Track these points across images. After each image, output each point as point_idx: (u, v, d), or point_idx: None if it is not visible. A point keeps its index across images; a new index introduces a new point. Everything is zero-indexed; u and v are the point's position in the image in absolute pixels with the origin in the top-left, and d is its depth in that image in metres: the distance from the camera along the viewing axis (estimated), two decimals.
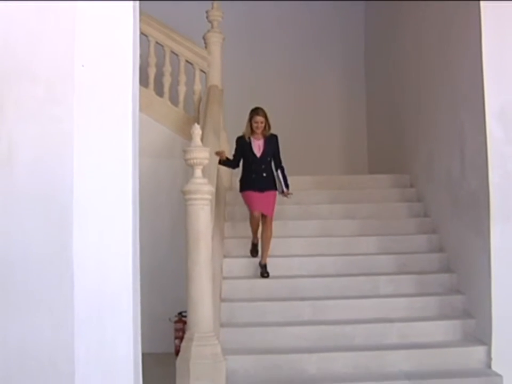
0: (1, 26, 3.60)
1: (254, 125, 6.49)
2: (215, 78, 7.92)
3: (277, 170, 6.59)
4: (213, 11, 7.86)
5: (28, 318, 3.52)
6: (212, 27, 7.92)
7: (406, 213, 7.51)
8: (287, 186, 6.56)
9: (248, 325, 5.92)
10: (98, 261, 3.58)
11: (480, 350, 5.68)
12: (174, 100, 7.68)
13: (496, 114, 5.62)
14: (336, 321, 5.96)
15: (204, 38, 7.91)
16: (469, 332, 5.94)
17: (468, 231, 6.10)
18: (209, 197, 5.31)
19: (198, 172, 5.31)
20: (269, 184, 6.53)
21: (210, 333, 5.22)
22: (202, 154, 5.30)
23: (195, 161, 5.27)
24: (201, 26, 7.89)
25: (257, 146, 6.55)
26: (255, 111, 6.53)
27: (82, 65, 3.61)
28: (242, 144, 6.58)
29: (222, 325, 5.79)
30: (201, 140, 5.47)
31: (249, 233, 6.58)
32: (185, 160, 5.33)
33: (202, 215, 5.23)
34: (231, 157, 6.69)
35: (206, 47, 7.92)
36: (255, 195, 6.49)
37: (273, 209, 6.53)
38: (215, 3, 7.87)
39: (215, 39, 7.91)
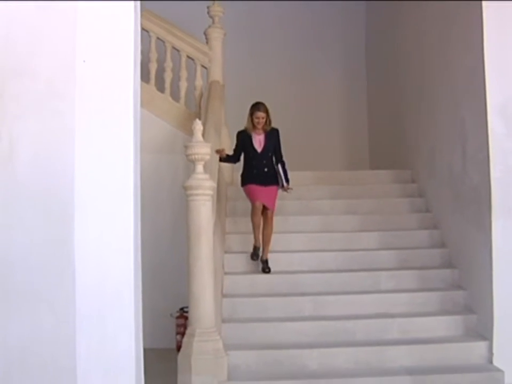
0: (3, 22, 3.60)
1: (255, 120, 6.46)
2: (216, 74, 7.90)
3: (277, 165, 6.56)
4: (214, 6, 7.85)
5: (29, 314, 3.52)
6: (213, 22, 7.90)
7: (408, 208, 7.51)
8: (287, 181, 6.52)
9: (250, 320, 5.92)
10: (100, 256, 3.58)
11: (481, 345, 5.69)
12: (175, 96, 7.68)
13: (498, 110, 5.62)
14: (337, 317, 5.96)
15: (205, 34, 7.90)
16: (470, 327, 5.95)
17: (469, 226, 6.10)
18: (210, 192, 5.31)
19: (200, 167, 5.31)
20: (270, 179, 6.51)
21: (212, 328, 5.23)
22: (203, 150, 5.30)
23: (196, 156, 5.28)
24: (202, 22, 7.88)
25: (258, 142, 6.53)
26: (256, 107, 6.49)
27: (84, 61, 3.60)
28: (243, 139, 6.56)
29: (223, 321, 5.79)
30: (203, 135, 5.46)
31: (251, 228, 6.52)
32: (187, 155, 5.33)
33: (203, 210, 5.23)
34: (231, 153, 6.67)
35: (207, 42, 7.91)
36: (257, 188, 6.47)
37: (274, 203, 6.52)
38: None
39: (216, 35, 7.89)
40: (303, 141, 9.39)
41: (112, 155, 3.63)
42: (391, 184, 7.91)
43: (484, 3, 5.60)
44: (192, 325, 5.23)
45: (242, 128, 6.61)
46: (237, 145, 6.65)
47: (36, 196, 3.55)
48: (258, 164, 6.51)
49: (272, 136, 6.55)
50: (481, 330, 5.82)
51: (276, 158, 6.59)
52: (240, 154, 6.64)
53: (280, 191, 6.58)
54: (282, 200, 6.81)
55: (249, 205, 6.54)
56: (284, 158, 6.62)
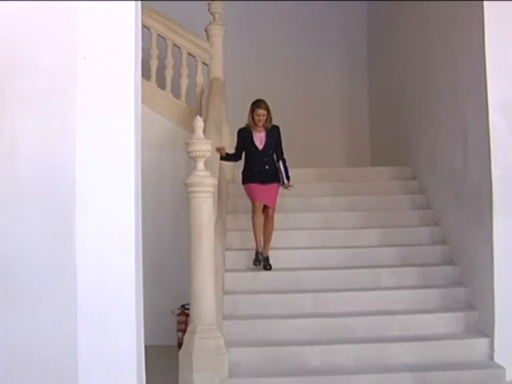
0: (4, 18, 3.59)
1: (256, 117, 6.45)
2: (217, 71, 7.90)
3: (278, 162, 6.55)
4: (214, 3, 7.84)
5: (30, 311, 3.52)
6: (214, 19, 7.89)
7: (409, 205, 7.51)
8: (288, 178, 6.51)
9: (251, 317, 5.93)
10: (101, 253, 3.57)
11: (482, 342, 5.69)
12: (176, 93, 7.67)
13: (499, 107, 5.63)
14: (338, 314, 5.97)
15: (205, 31, 7.90)
16: (471, 324, 5.95)
17: (470, 223, 6.10)
18: (211, 189, 5.31)
19: (201, 164, 5.31)
20: (271, 177, 6.50)
21: (213, 325, 5.23)
22: (204, 147, 5.30)
23: (197, 153, 5.28)
24: (203, 19, 7.87)
25: (259, 139, 6.52)
26: (257, 104, 6.48)
27: (85, 58, 3.59)
28: (244, 136, 6.55)
29: (224, 318, 5.80)
30: (204, 132, 5.46)
31: (251, 225, 6.50)
32: (188, 152, 5.33)
33: (204, 207, 5.24)
34: (233, 151, 6.65)
35: (208, 39, 7.90)
36: (257, 187, 6.47)
37: (275, 201, 6.52)
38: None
39: (217, 32, 7.89)
40: (304, 138, 9.40)
41: (113, 152, 3.62)
42: (392, 181, 7.91)
43: (485, 3, 5.61)
44: (193, 322, 5.24)
45: (243, 125, 6.61)
46: (238, 144, 6.63)
47: (36, 193, 3.54)
48: (259, 161, 6.51)
49: (273, 133, 6.54)
50: (482, 327, 5.82)
51: (276, 155, 6.58)
52: (241, 153, 6.62)
53: (281, 188, 6.58)
54: (283, 197, 6.82)
55: (250, 202, 6.55)
56: (285, 155, 6.62)
